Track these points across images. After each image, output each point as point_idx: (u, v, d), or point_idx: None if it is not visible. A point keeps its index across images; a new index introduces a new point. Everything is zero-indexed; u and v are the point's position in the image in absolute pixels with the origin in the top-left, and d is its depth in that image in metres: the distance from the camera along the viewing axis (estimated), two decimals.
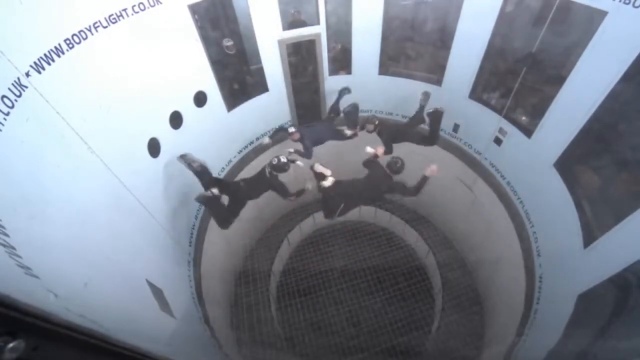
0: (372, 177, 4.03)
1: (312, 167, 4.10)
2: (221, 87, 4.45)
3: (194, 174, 3.90)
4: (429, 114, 4.55)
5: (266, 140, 5.03)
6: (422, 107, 4.76)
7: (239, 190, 4.13)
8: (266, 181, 3.98)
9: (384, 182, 3.92)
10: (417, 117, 4.83)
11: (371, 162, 4.18)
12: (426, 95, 4.70)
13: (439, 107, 4.47)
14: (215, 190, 3.96)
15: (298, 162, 4.20)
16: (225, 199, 4.17)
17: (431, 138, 4.67)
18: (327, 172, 3.98)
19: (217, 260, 5.01)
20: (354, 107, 5.02)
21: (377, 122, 4.63)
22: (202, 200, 3.98)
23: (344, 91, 5.20)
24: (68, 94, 2.35)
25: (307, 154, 4.64)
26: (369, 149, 4.38)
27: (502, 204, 4.68)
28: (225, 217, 4.19)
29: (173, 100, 3.75)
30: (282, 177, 4.03)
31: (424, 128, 4.79)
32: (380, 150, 4.41)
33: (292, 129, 4.57)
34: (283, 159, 3.89)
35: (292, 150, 4.55)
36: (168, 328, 3.04)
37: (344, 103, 5.12)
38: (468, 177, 5.28)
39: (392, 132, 4.72)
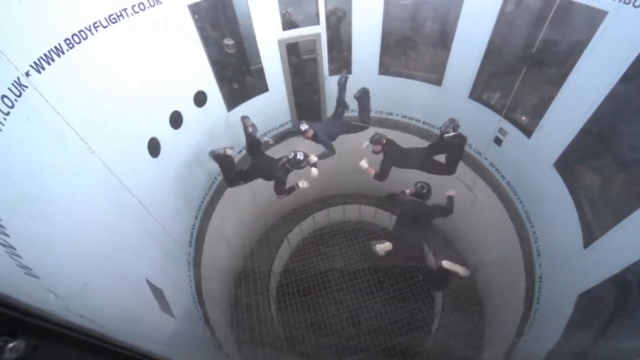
0: (409, 214, 3.87)
1: (374, 249, 3.88)
2: (221, 87, 4.45)
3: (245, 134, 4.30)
4: (449, 139, 4.08)
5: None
6: (442, 134, 4.17)
7: (261, 161, 4.25)
8: (274, 168, 4.00)
9: (424, 211, 3.77)
10: (437, 145, 4.29)
11: (394, 197, 4.01)
12: (452, 122, 4.09)
13: (463, 132, 4.03)
14: (230, 151, 4.15)
15: (314, 171, 4.11)
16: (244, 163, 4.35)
17: (449, 168, 4.19)
18: (388, 246, 3.82)
19: (217, 260, 5.01)
20: (364, 92, 4.56)
21: (384, 142, 4.21)
22: (213, 156, 4.17)
23: (342, 79, 4.66)
24: (68, 94, 2.35)
25: (330, 151, 4.45)
26: (364, 163, 4.18)
27: (502, 204, 4.67)
28: (234, 178, 4.33)
29: (173, 100, 3.75)
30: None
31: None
32: (372, 171, 4.18)
33: (304, 126, 4.34)
34: (300, 156, 3.89)
35: (315, 158, 4.25)
36: (168, 328, 3.04)
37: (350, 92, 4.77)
38: (468, 177, 5.28)
39: (397, 155, 4.25)
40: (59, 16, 2.32)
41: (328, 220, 7.11)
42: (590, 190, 3.47)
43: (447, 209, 3.84)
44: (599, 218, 3.24)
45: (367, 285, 6.17)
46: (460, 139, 4.13)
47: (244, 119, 4.33)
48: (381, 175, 4.21)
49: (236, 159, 4.93)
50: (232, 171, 4.31)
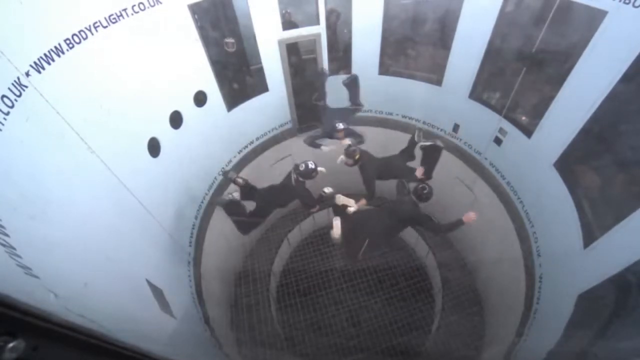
0: (395, 204, 3.71)
1: (335, 200, 3.75)
2: (221, 87, 4.45)
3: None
4: (425, 148, 4.16)
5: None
6: (414, 144, 4.28)
7: (268, 197, 4.01)
8: (292, 189, 3.80)
9: (409, 211, 3.55)
10: (407, 153, 4.33)
11: (402, 186, 3.91)
12: (421, 132, 4.23)
13: (439, 142, 4.07)
14: (236, 194, 3.91)
15: (320, 169, 3.94)
16: (249, 205, 4.10)
17: (425, 174, 4.20)
18: (351, 202, 3.66)
19: (217, 260, 5.01)
20: (353, 79, 4.65)
21: (357, 157, 3.99)
22: (221, 203, 3.95)
23: (346, 80, 4.73)
24: (68, 94, 2.35)
25: (360, 138, 4.51)
26: (346, 202, 3.80)
27: (502, 204, 4.67)
28: (248, 223, 4.13)
29: (173, 100, 3.75)
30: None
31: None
32: (363, 201, 3.91)
33: (340, 125, 4.33)
34: (311, 165, 3.69)
35: (348, 142, 4.32)
36: (168, 328, 3.04)
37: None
38: (468, 177, 5.28)
39: (375, 167, 4.15)
40: (59, 16, 2.32)
41: (328, 220, 7.10)
42: (590, 190, 3.47)
43: (438, 226, 3.60)
44: (599, 218, 3.24)
45: (367, 285, 6.18)
46: (438, 149, 4.12)
47: (226, 174, 4.09)
48: (371, 191, 4.08)
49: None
50: (243, 215, 4.10)
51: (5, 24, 1.92)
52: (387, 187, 4.25)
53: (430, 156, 4.20)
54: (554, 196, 3.70)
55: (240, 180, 4.00)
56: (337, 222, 3.56)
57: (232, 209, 4.04)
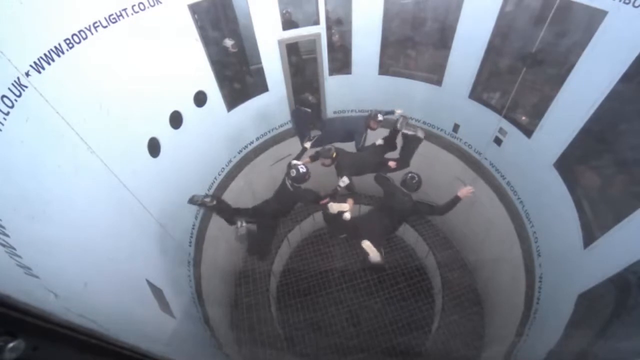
0: (389, 200, 3.64)
1: (328, 209, 3.67)
2: (221, 87, 4.45)
3: (213, 211, 3.80)
4: (406, 136, 4.13)
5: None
6: (396, 132, 4.23)
7: (266, 211, 3.95)
8: (291, 194, 3.77)
9: (407, 209, 3.50)
10: (388, 143, 4.35)
11: (383, 178, 3.84)
12: (405, 120, 4.22)
13: (420, 134, 4.08)
14: (244, 223, 3.78)
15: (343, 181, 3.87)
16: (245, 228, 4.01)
17: (401, 161, 4.24)
18: (345, 207, 3.60)
19: (217, 260, 5.01)
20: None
21: (334, 155, 4.00)
22: (243, 239, 3.76)
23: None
24: (68, 94, 2.35)
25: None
26: (341, 208, 3.65)
27: (502, 204, 4.68)
28: (261, 245, 4.07)
29: (173, 100, 3.75)
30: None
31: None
32: (351, 201, 3.81)
33: (380, 117, 4.31)
34: (302, 169, 3.63)
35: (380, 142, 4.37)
36: (168, 328, 3.04)
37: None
38: (468, 177, 5.28)
39: (352, 163, 4.15)
40: (59, 16, 2.32)
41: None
42: (590, 190, 3.47)
43: (436, 208, 3.51)
44: (599, 218, 3.24)
45: (367, 285, 6.18)
46: (417, 139, 4.13)
47: (192, 200, 3.83)
48: (352, 188, 4.12)
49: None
50: (259, 238, 3.99)
51: (5, 24, 1.92)
52: (368, 183, 4.23)
53: (410, 145, 4.21)
54: (554, 196, 3.70)
55: (208, 200, 3.79)
56: (367, 244, 3.34)
57: (252, 236, 3.94)
